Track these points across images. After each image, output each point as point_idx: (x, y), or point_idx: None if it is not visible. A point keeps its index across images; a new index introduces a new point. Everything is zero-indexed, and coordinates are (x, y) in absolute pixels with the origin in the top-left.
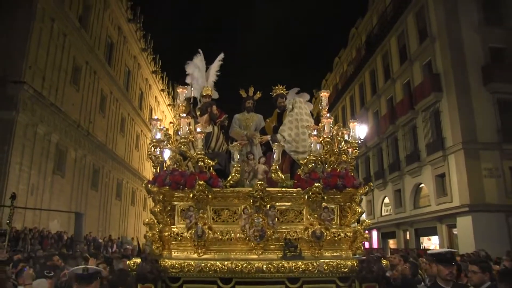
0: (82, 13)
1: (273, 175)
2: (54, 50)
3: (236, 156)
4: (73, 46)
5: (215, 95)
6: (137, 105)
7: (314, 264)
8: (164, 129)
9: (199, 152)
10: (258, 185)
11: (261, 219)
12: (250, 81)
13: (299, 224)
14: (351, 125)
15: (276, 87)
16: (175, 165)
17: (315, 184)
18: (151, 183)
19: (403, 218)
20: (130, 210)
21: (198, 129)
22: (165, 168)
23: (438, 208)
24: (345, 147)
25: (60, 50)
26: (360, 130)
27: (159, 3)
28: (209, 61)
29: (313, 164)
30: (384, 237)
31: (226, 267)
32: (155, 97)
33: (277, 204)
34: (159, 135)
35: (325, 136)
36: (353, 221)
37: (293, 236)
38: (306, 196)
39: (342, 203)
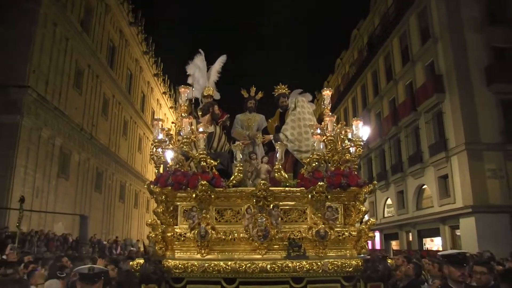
0: (84, 17)
1: (276, 174)
2: (57, 55)
3: (239, 156)
4: (75, 50)
5: (217, 96)
6: (139, 108)
7: (319, 263)
8: (166, 129)
9: (201, 152)
10: (261, 184)
11: (264, 219)
12: (251, 82)
13: (303, 223)
14: (354, 123)
15: (278, 87)
16: (178, 166)
17: (319, 183)
18: (154, 183)
19: (406, 219)
20: (134, 212)
21: (200, 129)
22: (167, 169)
23: (441, 209)
24: (349, 146)
25: (63, 54)
26: (362, 131)
27: (160, 6)
28: (210, 62)
29: (316, 163)
30: (387, 238)
31: (229, 267)
32: (157, 100)
33: (281, 203)
34: (161, 136)
35: (328, 134)
36: (357, 220)
37: (297, 235)
38: (309, 195)
39: (346, 202)
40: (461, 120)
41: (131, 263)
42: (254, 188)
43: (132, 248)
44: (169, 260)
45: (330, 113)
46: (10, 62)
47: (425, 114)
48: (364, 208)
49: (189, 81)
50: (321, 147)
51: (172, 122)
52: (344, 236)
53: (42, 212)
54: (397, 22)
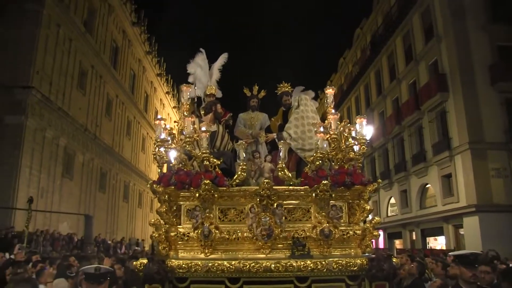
0: (87, 17)
1: (279, 173)
2: (61, 55)
3: (242, 155)
4: (79, 51)
5: (219, 94)
6: (142, 108)
7: (323, 262)
8: (169, 128)
9: (204, 151)
10: (265, 183)
11: (268, 218)
12: (253, 81)
13: (307, 222)
14: (358, 120)
15: (281, 85)
16: (180, 165)
17: (323, 181)
18: (157, 183)
19: (409, 218)
20: (137, 211)
21: (203, 128)
22: (170, 168)
23: (445, 208)
24: (353, 144)
25: (66, 55)
26: (366, 129)
27: (162, 6)
28: (212, 61)
29: (320, 162)
30: (390, 237)
31: (233, 267)
32: (160, 99)
33: (284, 202)
34: (163, 135)
35: (331, 133)
36: (362, 218)
37: (301, 234)
38: (313, 194)
39: (350, 201)
40: (465, 119)
41: (134, 263)
42: (257, 187)
43: (136, 248)
44: (173, 260)
45: (334, 111)
46: (14, 63)
47: (428, 113)
48: (368, 207)
49: (190, 79)
50: (325, 146)
51: (175, 121)
52: (348, 235)
53: (47, 212)
54: (400, 21)
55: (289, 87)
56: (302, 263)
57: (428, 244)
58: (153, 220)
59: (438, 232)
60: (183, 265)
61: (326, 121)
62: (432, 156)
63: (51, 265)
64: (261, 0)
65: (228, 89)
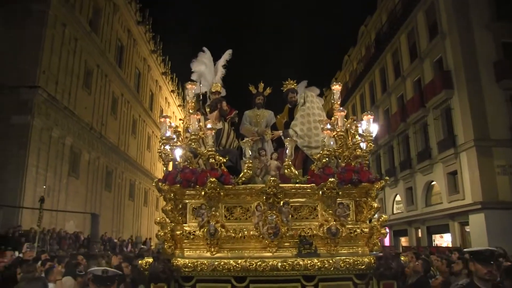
0: (92, 17)
1: (286, 171)
2: (66, 55)
3: (248, 152)
4: (84, 50)
5: (223, 92)
6: (147, 106)
7: (330, 261)
8: (174, 126)
9: (209, 149)
10: (271, 181)
11: (274, 216)
12: (257, 78)
13: (313, 220)
14: (365, 118)
15: (287, 82)
16: (186, 163)
17: (330, 179)
18: (162, 181)
19: (415, 215)
20: (143, 210)
21: (209, 126)
22: (176, 166)
23: (450, 205)
24: (359, 141)
25: (72, 55)
26: (373, 126)
27: (167, 4)
28: (216, 58)
29: (326, 159)
30: (396, 235)
31: (240, 266)
32: (166, 98)
33: (291, 200)
34: (168, 133)
35: (338, 130)
36: (369, 216)
37: (308, 233)
38: (320, 192)
39: (357, 199)
40: (470, 116)
41: (140, 262)
42: (264, 185)
43: (142, 246)
44: (178, 259)
45: (340, 108)
46: (20, 63)
47: (433, 110)
48: (376, 205)
49: (195, 77)
50: (332, 143)
51: (180, 119)
52: (356, 233)
53: (53, 211)
54: (405, 19)
55: (295, 84)
56: (309, 261)
57: (434, 241)
58: (158, 219)
59: (444, 229)
60: (189, 264)
61: (332, 118)
62: (437, 153)
63: (59, 263)
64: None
65: (232, 87)
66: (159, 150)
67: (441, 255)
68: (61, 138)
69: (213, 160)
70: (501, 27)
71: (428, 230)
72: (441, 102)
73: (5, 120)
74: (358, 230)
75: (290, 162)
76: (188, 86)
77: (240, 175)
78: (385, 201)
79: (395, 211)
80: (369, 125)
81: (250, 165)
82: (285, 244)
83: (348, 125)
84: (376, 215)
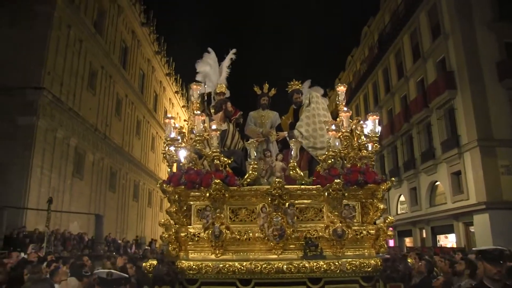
0: (97, 18)
1: (291, 172)
2: (71, 56)
3: (253, 154)
4: (89, 51)
5: (227, 93)
6: (152, 107)
7: (336, 263)
8: (178, 127)
9: (214, 150)
10: (277, 182)
11: (280, 218)
12: (261, 79)
13: (319, 222)
14: (370, 118)
15: (292, 83)
16: (191, 164)
17: (335, 180)
18: (166, 182)
19: (419, 216)
20: (147, 211)
21: (213, 127)
22: (180, 167)
23: (454, 206)
24: (365, 142)
25: (77, 56)
26: (379, 126)
27: (171, 6)
28: (220, 59)
29: (332, 160)
30: (401, 235)
31: (245, 268)
32: (170, 99)
33: (296, 202)
34: (173, 134)
35: (344, 130)
36: (375, 218)
37: (314, 234)
38: (326, 193)
39: (363, 200)
40: (473, 116)
41: (144, 264)
42: (269, 187)
43: (147, 247)
44: (183, 261)
45: (345, 109)
46: (25, 65)
47: (437, 110)
48: (382, 206)
49: (200, 78)
50: (337, 144)
51: (185, 120)
52: (362, 234)
53: (57, 212)
54: (407, 19)
55: (300, 85)
56: (314, 264)
57: (439, 242)
58: (163, 220)
59: (448, 229)
60: (193, 266)
61: (338, 119)
62: (441, 154)
63: (64, 264)
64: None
65: (235, 87)
66: (164, 151)
67: (445, 256)
68: (66, 139)
69: (218, 161)
70: (504, 27)
71: (433, 231)
72: (445, 102)
73: (10, 121)
74: (364, 231)
75: (296, 163)
76: (193, 86)
77: (245, 177)
78: (389, 201)
79: (399, 212)
80: (375, 126)
81: (255, 166)
82: (291, 246)
83: (354, 126)
84: (381, 216)
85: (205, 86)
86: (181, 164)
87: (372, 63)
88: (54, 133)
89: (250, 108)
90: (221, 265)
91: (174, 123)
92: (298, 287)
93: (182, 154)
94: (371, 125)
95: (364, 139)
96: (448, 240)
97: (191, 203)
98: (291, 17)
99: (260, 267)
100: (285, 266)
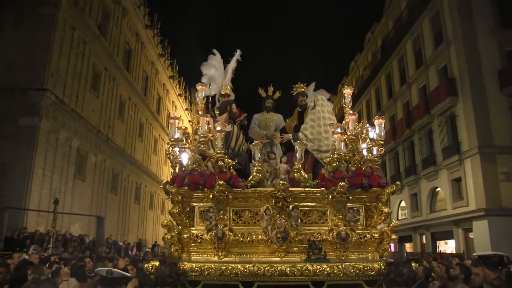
0: (101, 20)
1: (295, 174)
2: (75, 58)
3: (257, 156)
4: (92, 53)
5: (232, 95)
6: (155, 110)
7: (340, 267)
8: (183, 128)
9: (218, 152)
10: (281, 185)
11: (283, 220)
12: (263, 81)
13: (323, 225)
14: (376, 122)
15: (297, 85)
16: (194, 165)
17: (340, 183)
18: (170, 183)
19: (420, 222)
20: (149, 213)
21: (218, 128)
22: (183, 169)
23: (454, 212)
24: (370, 145)
25: (81, 58)
26: (383, 131)
27: (176, 9)
28: (224, 61)
29: (337, 163)
30: (401, 241)
31: (247, 270)
32: (173, 102)
33: (300, 204)
34: (177, 134)
35: (349, 133)
36: (379, 222)
37: (317, 237)
38: (330, 196)
39: (368, 203)
40: (474, 123)
41: (146, 265)
42: (273, 189)
43: (147, 249)
44: (185, 263)
45: (351, 112)
46: (29, 66)
47: (438, 117)
48: (386, 210)
49: (204, 80)
50: (342, 147)
51: (189, 121)
52: (366, 238)
53: (59, 213)
54: (411, 26)
55: (305, 88)
56: (318, 267)
57: (438, 247)
58: (165, 222)
59: (448, 235)
60: (196, 268)
61: (343, 122)
62: (442, 160)
63: (65, 265)
64: (272, 3)
65: (239, 89)
66: (168, 152)
67: (442, 262)
68: (68, 140)
69: (222, 163)
70: (506, 35)
71: (433, 236)
72: (446, 109)
73: (13, 121)
74: (368, 235)
75: (300, 166)
76: (198, 87)
77: (249, 178)
78: (390, 207)
79: (400, 217)
80: (381, 130)
81: (259, 168)
82: (294, 249)
83: (359, 129)
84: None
85: (210, 88)
86: (185, 165)
87: (375, 68)
88: (56, 134)
89: (252, 109)
90: (224, 267)
91: (178, 124)
92: None
93: (185, 157)
94: (377, 128)
95: (370, 142)
96: (448, 246)
97: (194, 204)
98: (296, 21)
99: (263, 269)
100: (288, 269)
